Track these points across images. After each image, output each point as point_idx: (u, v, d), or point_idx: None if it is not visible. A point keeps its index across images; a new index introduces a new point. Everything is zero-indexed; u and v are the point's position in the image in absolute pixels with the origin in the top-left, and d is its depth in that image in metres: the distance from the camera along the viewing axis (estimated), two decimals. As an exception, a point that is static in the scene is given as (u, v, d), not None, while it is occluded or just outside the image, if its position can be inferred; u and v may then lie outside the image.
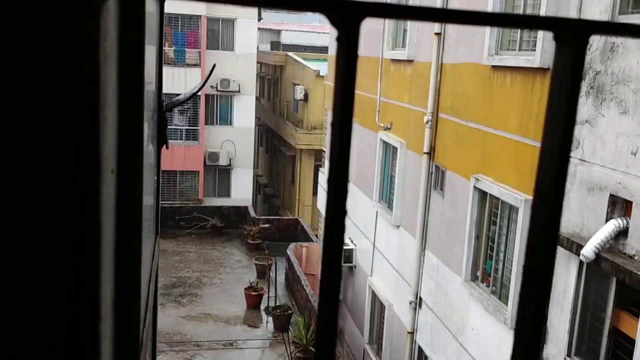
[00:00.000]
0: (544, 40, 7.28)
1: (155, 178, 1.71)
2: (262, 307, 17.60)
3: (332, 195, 0.49)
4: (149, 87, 1.57)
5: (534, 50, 7.59)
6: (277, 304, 17.27)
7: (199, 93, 25.03)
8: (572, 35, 0.52)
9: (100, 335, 0.59)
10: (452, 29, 9.95)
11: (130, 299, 0.86)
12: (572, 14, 6.78)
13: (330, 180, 0.50)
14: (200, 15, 25.41)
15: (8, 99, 0.49)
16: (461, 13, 0.52)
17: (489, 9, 8.49)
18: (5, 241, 0.50)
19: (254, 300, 17.58)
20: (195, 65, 25.40)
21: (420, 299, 11.00)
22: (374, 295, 13.31)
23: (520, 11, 8.09)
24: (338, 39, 0.48)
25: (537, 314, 0.53)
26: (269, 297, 17.58)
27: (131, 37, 0.63)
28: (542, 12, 7.27)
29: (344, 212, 0.49)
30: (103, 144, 0.51)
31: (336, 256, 0.49)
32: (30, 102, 0.47)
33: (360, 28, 0.49)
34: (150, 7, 1.45)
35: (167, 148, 1.82)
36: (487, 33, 8.60)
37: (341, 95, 0.49)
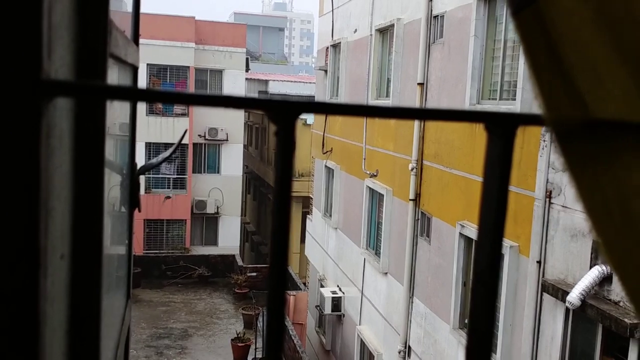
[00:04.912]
0: (524, 89, 7.44)
1: (127, 242, 1.72)
2: (250, 358, 17.25)
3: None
4: (122, 151, 1.59)
5: (514, 100, 7.75)
6: (265, 355, 16.93)
7: (182, 144, 25.08)
8: (501, 127, 0.54)
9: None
10: (435, 79, 10.15)
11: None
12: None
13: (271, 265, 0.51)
14: (188, 67, 25.73)
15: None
16: (392, 109, 0.54)
17: (469, 62, 8.69)
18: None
19: (240, 351, 17.25)
20: (183, 114, 25.58)
21: (409, 347, 10.86)
22: (363, 345, 13.12)
23: (500, 64, 8.28)
24: (276, 133, 0.52)
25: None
26: (256, 348, 17.26)
27: (88, 129, 0.65)
28: (521, 63, 7.45)
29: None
30: (46, 232, 0.52)
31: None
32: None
33: (296, 123, 0.53)
34: (122, 78, 1.48)
35: (139, 211, 1.84)
36: (469, 82, 8.78)
37: (279, 180, 0.53)
